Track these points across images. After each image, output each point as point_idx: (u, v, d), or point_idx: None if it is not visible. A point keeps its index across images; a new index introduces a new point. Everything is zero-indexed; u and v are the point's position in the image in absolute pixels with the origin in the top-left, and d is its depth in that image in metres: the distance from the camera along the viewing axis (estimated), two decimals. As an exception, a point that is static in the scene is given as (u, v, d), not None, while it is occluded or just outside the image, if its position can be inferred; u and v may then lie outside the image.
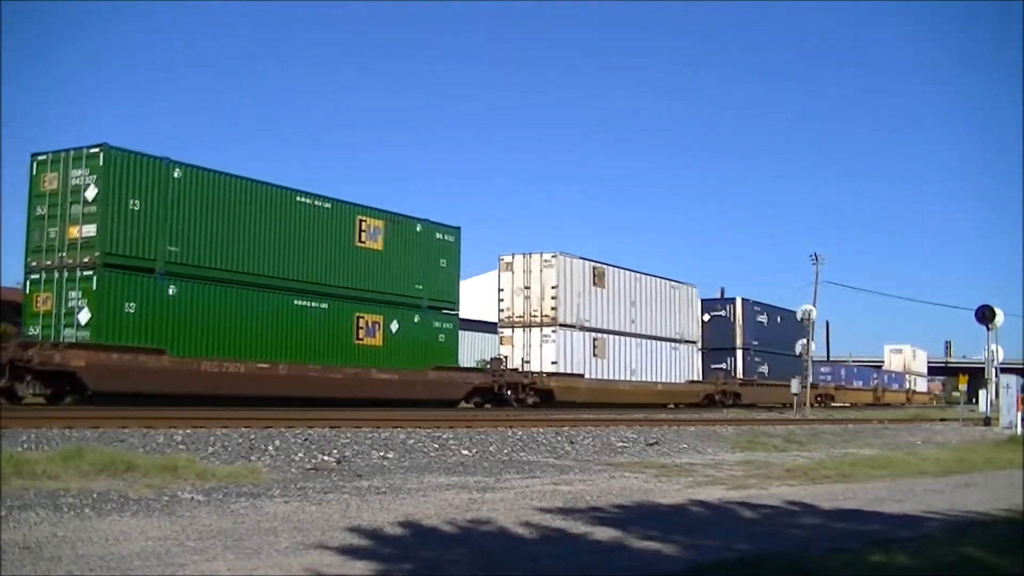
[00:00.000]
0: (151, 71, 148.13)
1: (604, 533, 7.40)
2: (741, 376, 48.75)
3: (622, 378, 38.87)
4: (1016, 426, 29.27)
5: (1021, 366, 53.72)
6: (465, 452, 14.02)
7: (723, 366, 48.22)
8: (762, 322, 51.38)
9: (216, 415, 16.17)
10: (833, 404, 63.73)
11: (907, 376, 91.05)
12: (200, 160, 30.68)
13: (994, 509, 9.75)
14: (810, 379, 45.00)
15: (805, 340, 44.05)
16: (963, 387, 41.33)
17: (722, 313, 49.27)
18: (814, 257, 45.96)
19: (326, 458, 12.01)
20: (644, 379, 40.49)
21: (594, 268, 37.68)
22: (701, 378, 46.18)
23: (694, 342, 45.41)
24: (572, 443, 16.28)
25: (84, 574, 5.31)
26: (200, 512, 7.54)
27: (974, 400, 43.14)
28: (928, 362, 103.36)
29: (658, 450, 17.00)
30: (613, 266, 39.21)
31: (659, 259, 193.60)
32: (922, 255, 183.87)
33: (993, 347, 37.96)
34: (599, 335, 37.64)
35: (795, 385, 40.86)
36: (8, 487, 7.91)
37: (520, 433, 16.60)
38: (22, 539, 6.08)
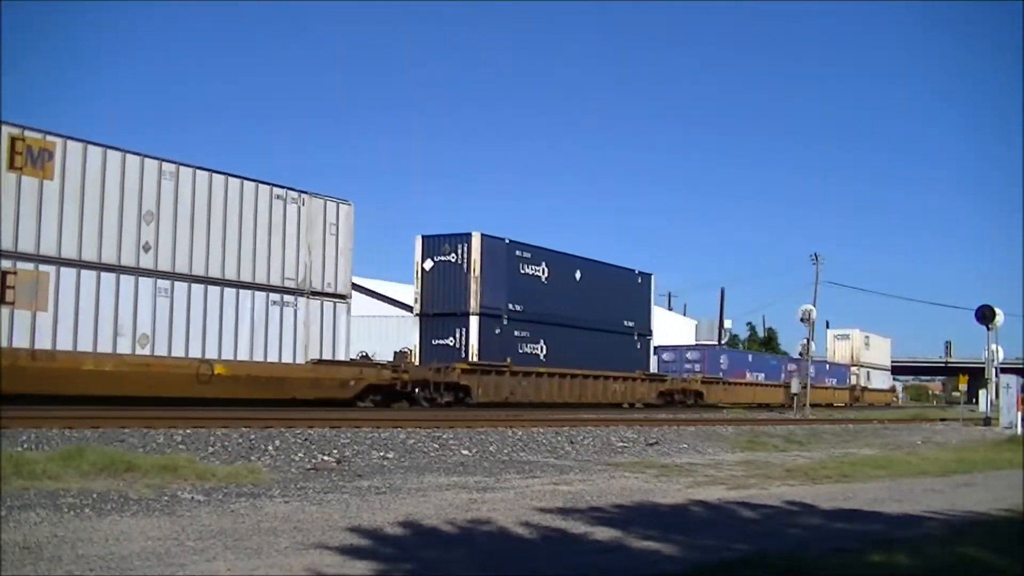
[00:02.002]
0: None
1: (604, 533, 7.40)
2: (475, 358, 29.56)
3: (106, 350, 20.30)
4: (1016, 426, 29.33)
5: (1021, 366, 53.88)
6: (465, 452, 14.03)
7: (448, 341, 29.93)
8: (535, 275, 32.54)
9: (216, 415, 16.16)
10: (702, 403, 42.93)
11: (851, 369, 68.09)
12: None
13: (994, 509, 9.76)
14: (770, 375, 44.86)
15: (805, 340, 44.10)
16: (963, 387, 41.42)
17: (451, 259, 30.16)
18: (814, 257, 45.89)
19: (326, 458, 12.02)
20: (175, 354, 21.72)
21: (11, 137, 18.90)
22: (417, 359, 29.54)
23: (344, 296, 26.18)
24: (572, 443, 16.30)
25: (84, 574, 5.31)
26: (200, 512, 7.55)
27: (974, 400, 43.23)
28: (911, 359, 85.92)
29: (658, 450, 17.02)
30: (80, 140, 20.30)
31: (658, 257, 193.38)
32: (922, 254, 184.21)
33: (993, 347, 38.07)
34: (20, 265, 19.07)
35: (795, 385, 40.90)
36: (8, 487, 7.91)
37: (520, 433, 16.62)
38: (22, 539, 6.08)
